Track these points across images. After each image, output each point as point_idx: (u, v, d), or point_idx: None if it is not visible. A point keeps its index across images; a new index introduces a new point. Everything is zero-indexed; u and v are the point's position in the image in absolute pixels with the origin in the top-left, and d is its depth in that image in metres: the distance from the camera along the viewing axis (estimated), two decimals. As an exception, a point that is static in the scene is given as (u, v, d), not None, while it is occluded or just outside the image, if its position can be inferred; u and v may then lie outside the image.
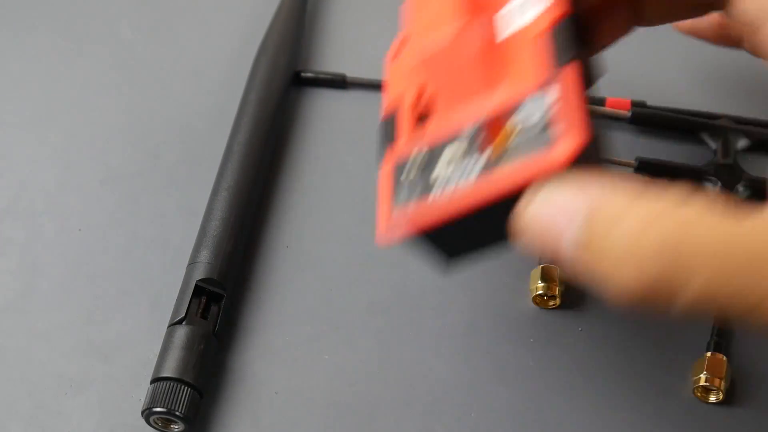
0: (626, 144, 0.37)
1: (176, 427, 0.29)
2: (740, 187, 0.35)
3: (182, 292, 0.31)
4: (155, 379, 0.29)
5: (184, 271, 0.32)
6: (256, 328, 0.32)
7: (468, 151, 0.23)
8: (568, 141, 0.21)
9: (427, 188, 0.24)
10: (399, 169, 0.25)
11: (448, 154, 0.24)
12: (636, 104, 0.38)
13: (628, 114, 0.37)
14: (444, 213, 0.23)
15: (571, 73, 0.22)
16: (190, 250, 0.33)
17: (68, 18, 0.42)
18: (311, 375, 0.31)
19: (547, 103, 0.22)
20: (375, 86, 0.39)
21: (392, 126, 0.26)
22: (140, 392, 0.30)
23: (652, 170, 0.35)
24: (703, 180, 0.35)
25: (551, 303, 0.32)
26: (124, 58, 0.40)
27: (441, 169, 0.24)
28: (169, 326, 0.30)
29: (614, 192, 0.20)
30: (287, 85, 0.38)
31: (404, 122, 0.26)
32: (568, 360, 0.31)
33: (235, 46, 0.41)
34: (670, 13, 0.29)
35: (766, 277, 0.19)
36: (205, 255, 0.32)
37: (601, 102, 0.37)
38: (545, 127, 0.22)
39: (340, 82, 0.39)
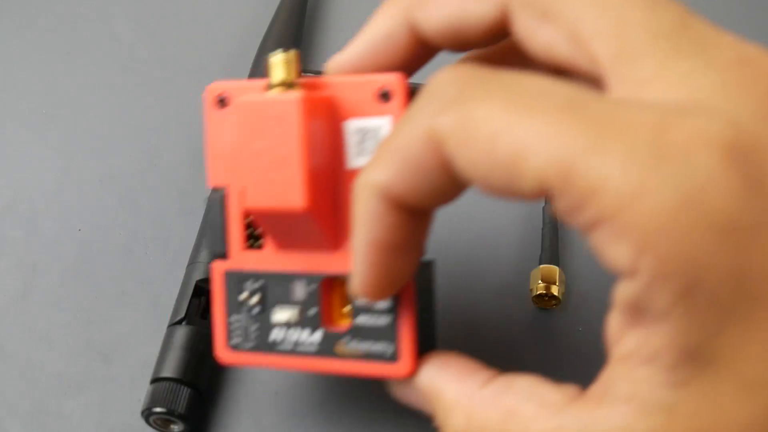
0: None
1: (176, 427, 0.29)
2: None
3: (182, 292, 0.31)
4: (155, 380, 0.29)
5: (184, 271, 0.32)
6: (256, 328, 0.32)
7: (303, 319, 0.25)
8: (406, 364, 0.24)
9: (265, 336, 0.25)
10: (232, 281, 0.26)
11: (283, 314, 0.25)
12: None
13: None
14: (287, 366, 0.25)
15: (408, 283, 0.24)
16: (190, 250, 0.33)
17: (68, 18, 0.42)
18: (311, 375, 0.31)
19: (384, 305, 0.24)
20: (375, 86, 0.39)
21: (222, 223, 0.26)
22: (140, 392, 0.30)
23: None
24: None
25: (551, 303, 0.32)
26: (124, 58, 0.40)
27: (278, 324, 0.25)
28: (169, 326, 0.30)
29: (445, 383, 0.23)
30: (287, 85, 0.38)
31: (235, 229, 0.25)
32: (568, 360, 0.31)
33: (235, 46, 0.41)
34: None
35: None
36: (205, 255, 0.32)
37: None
38: (387, 331, 0.24)
39: (340, 82, 0.39)
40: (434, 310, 0.26)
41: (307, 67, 0.40)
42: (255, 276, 0.25)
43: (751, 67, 0.20)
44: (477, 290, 0.32)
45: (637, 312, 0.19)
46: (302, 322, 0.25)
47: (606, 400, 0.20)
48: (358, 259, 0.22)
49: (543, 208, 0.34)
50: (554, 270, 0.32)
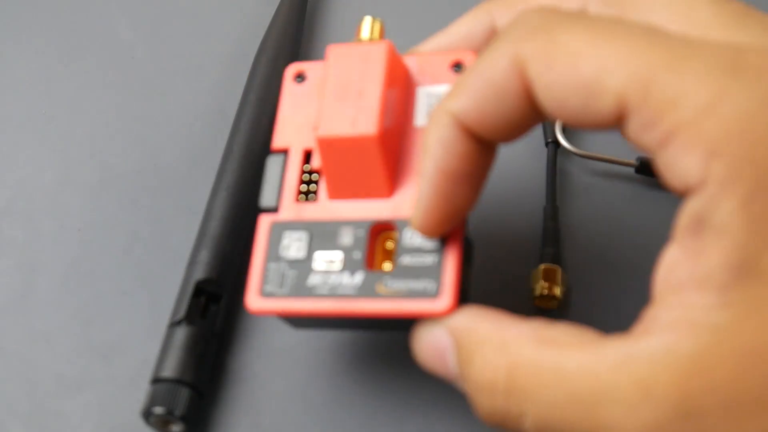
0: (627, 145, 0.37)
1: (175, 427, 0.29)
2: None
3: (182, 292, 0.31)
4: (155, 380, 0.29)
5: (184, 271, 0.32)
6: (256, 328, 0.32)
7: (346, 263, 0.26)
8: (446, 301, 0.24)
9: (304, 281, 0.26)
10: (276, 232, 0.27)
11: (326, 258, 0.26)
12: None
13: None
14: (322, 310, 0.25)
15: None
16: (190, 250, 0.32)
17: (68, 18, 0.42)
18: (311, 375, 0.31)
19: (434, 243, 0.25)
20: (375, 86, 0.39)
21: (280, 177, 0.27)
22: (140, 392, 0.30)
23: (653, 171, 0.35)
24: None
25: (551, 303, 0.32)
26: (123, 58, 0.40)
27: (319, 267, 0.26)
28: (168, 326, 0.30)
29: (479, 322, 0.23)
30: (287, 85, 0.38)
31: (290, 183, 0.27)
32: (568, 360, 0.31)
33: (235, 46, 0.41)
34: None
35: (592, 411, 0.20)
36: (204, 255, 0.32)
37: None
38: (431, 271, 0.25)
39: (340, 82, 0.39)
40: (471, 265, 0.27)
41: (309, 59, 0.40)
42: (302, 225, 0.27)
43: None
44: (477, 290, 0.32)
45: (697, 231, 0.20)
46: (344, 266, 0.26)
47: (649, 331, 0.20)
48: (424, 187, 0.23)
49: (543, 208, 0.34)
50: (555, 270, 0.32)
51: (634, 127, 0.20)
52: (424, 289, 0.25)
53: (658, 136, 0.20)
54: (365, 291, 0.25)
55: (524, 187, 0.35)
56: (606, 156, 0.36)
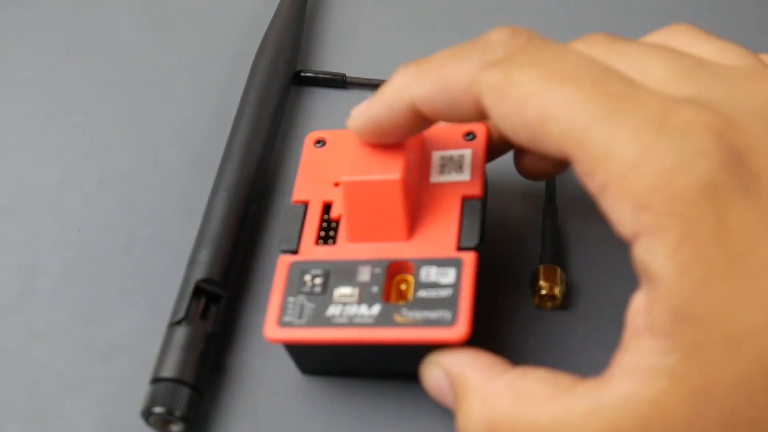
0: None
1: (175, 427, 0.29)
2: None
3: (182, 292, 0.31)
4: (154, 380, 0.29)
5: (184, 271, 0.32)
6: (256, 328, 0.32)
7: (363, 296, 0.28)
8: (462, 328, 0.26)
9: (322, 311, 0.28)
10: (295, 270, 0.29)
11: (344, 291, 0.28)
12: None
13: None
14: (341, 338, 0.27)
15: (473, 258, 0.28)
16: (190, 250, 0.32)
17: (68, 18, 0.42)
18: (311, 375, 0.31)
19: (450, 278, 0.28)
20: (375, 86, 0.39)
21: (300, 224, 0.30)
22: (140, 392, 0.30)
23: None
24: None
25: (551, 303, 0.32)
26: (124, 58, 0.40)
27: (337, 301, 0.28)
28: (168, 326, 0.30)
29: (469, 370, 0.25)
30: (287, 85, 0.38)
31: (311, 227, 0.30)
32: (568, 360, 0.31)
33: (235, 46, 0.41)
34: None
35: None
36: (204, 255, 0.32)
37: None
38: (448, 302, 0.27)
39: (340, 82, 0.39)
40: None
41: (309, 68, 0.40)
42: (321, 264, 0.29)
43: (754, 80, 0.23)
44: (477, 290, 0.32)
45: (644, 277, 0.21)
46: (361, 299, 0.28)
47: (615, 375, 0.22)
48: (366, 111, 0.28)
49: (543, 208, 0.34)
50: (554, 270, 0.32)
51: (577, 171, 0.22)
52: (440, 318, 0.27)
53: (596, 186, 0.22)
54: (383, 320, 0.27)
55: (524, 187, 0.35)
56: None
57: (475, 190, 0.30)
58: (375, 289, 0.28)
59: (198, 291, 0.31)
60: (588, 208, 0.35)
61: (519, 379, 0.24)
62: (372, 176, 0.28)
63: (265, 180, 0.36)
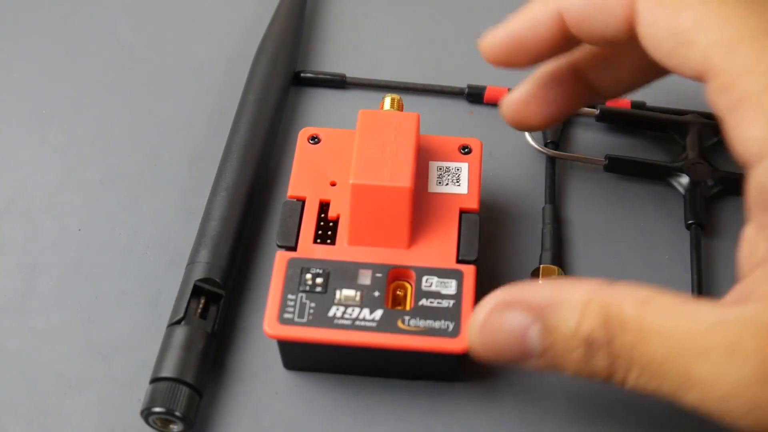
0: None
1: (175, 427, 0.29)
2: (710, 182, 0.34)
3: (181, 292, 0.31)
4: (154, 379, 0.29)
5: (183, 271, 0.32)
6: (256, 328, 0.32)
7: (365, 300, 0.28)
8: (466, 339, 0.26)
9: (323, 314, 0.28)
10: (294, 267, 0.29)
11: (346, 294, 0.28)
12: (636, 105, 0.38)
13: (596, 112, 0.37)
14: (342, 340, 0.28)
15: (472, 271, 0.29)
16: (190, 250, 0.32)
17: (68, 18, 0.42)
18: (311, 375, 0.31)
19: (451, 289, 0.28)
20: (375, 86, 0.39)
21: (298, 220, 0.30)
22: (139, 392, 0.30)
23: (621, 167, 0.36)
24: (674, 176, 0.35)
25: (551, 303, 0.32)
26: (124, 58, 0.40)
27: (339, 303, 0.28)
28: (168, 326, 0.30)
29: (560, 293, 0.24)
30: (287, 85, 0.38)
31: (308, 225, 0.30)
32: (567, 360, 0.31)
33: (235, 46, 0.41)
34: (620, 86, 0.31)
35: (686, 366, 0.21)
36: (204, 255, 0.32)
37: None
38: (450, 312, 0.28)
39: (339, 82, 0.39)
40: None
41: (309, 68, 0.40)
42: (321, 263, 0.29)
43: None
44: (477, 291, 0.32)
45: (766, 206, 0.21)
46: (363, 303, 0.28)
47: (738, 301, 0.22)
48: (507, 24, 0.28)
49: (543, 208, 0.34)
50: (554, 270, 0.32)
51: (711, 86, 0.22)
52: (444, 328, 0.27)
53: (730, 101, 0.22)
54: (385, 325, 0.27)
55: (524, 188, 0.35)
56: (576, 155, 0.36)
57: (473, 203, 0.30)
58: (377, 293, 0.28)
59: (197, 291, 0.31)
60: (589, 208, 0.35)
61: (637, 287, 0.23)
62: (382, 182, 0.28)
63: (265, 180, 0.36)
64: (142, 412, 0.29)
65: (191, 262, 0.32)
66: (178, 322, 0.30)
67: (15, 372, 0.31)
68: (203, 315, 0.31)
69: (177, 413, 0.28)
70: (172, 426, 0.29)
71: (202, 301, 0.31)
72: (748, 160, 0.21)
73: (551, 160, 0.36)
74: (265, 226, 0.35)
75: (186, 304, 0.30)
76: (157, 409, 0.28)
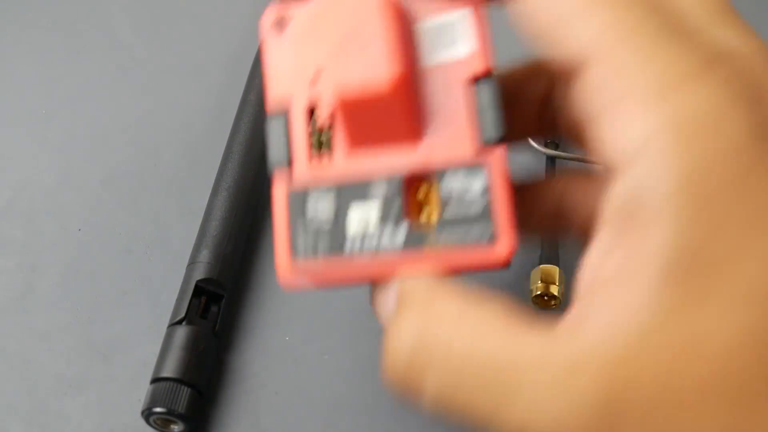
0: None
1: (176, 427, 0.29)
2: None
3: (182, 292, 0.31)
4: (155, 380, 0.29)
5: (184, 271, 0.32)
6: (256, 328, 0.32)
7: (386, 215, 0.23)
8: (506, 244, 0.22)
9: (339, 244, 0.23)
10: (297, 200, 0.24)
11: (360, 211, 0.23)
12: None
13: None
14: (368, 273, 0.23)
15: (500, 156, 0.23)
16: (190, 250, 0.33)
17: (68, 18, 0.42)
18: (311, 375, 0.31)
19: (478, 186, 0.22)
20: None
21: (285, 134, 0.24)
22: (140, 392, 0.30)
23: None
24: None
25: (551, 303, 0.32)
26: (123, 58, 0.40)
27: (354, 227, 0.23)
28: (169, 326, 0.30)
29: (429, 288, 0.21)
30: (287, 85, 0.38)
31: (299, 140, 0.24)
32: (568, 360, 0.31)
33: (235, 46, 0.41)
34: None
35: (496, 390, 0.18)
36: (205, 255, 0.32)
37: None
38: (481, 216, 0.22)
39: (340, 82, 0.39)
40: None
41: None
42: (324, 187, 0.24)
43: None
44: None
45: (628, 219, 0.18)
46: (383, 221, 0.23)
47: (580, 329, 0.18)
48: None
49: (543, 208, 0.34)
50: (554, 270, 0.32)
51: (589, 76, 0.19)
52: (479, 235, 0.22)
53: (610, 95, 0.19)
54: (412, 248, 0.23)
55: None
56: (576, 155, 0.36)
57: (484, 64, 0.23)
58: (395, 209, 0.23)
59: (198, 291, 0.31)
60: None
61: (476, 304, 0.20)
62: (358, 83, 0.22)
63: (265, 180, 0.36)
64: (143, 412, 0.29)
65: (192, 262, 0.32)
66: (180, 322, 0.30)
67: (15, 372, 0.31)
68: (204, 315, 0.31)
69: (178, 413, 0.28)
70: (172, 426, 0.29)
71: (203, 301, 0.31)
72: (618, 165, 0.18)
73: (551, 160, 0.36)
74: (266, 226, 0.35)
75: (187, 304, 0.30)
76: (159, 410, 0.28)
